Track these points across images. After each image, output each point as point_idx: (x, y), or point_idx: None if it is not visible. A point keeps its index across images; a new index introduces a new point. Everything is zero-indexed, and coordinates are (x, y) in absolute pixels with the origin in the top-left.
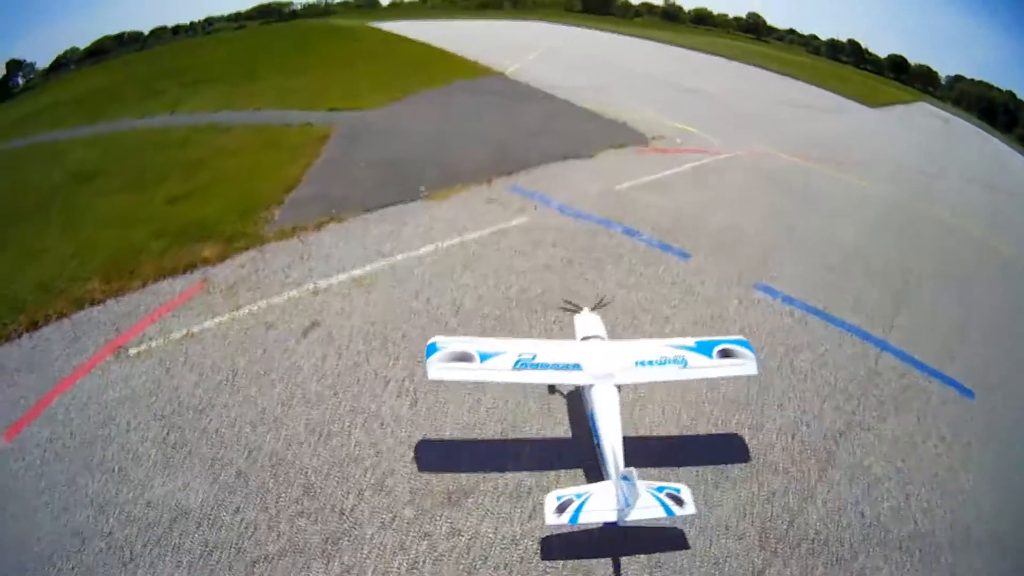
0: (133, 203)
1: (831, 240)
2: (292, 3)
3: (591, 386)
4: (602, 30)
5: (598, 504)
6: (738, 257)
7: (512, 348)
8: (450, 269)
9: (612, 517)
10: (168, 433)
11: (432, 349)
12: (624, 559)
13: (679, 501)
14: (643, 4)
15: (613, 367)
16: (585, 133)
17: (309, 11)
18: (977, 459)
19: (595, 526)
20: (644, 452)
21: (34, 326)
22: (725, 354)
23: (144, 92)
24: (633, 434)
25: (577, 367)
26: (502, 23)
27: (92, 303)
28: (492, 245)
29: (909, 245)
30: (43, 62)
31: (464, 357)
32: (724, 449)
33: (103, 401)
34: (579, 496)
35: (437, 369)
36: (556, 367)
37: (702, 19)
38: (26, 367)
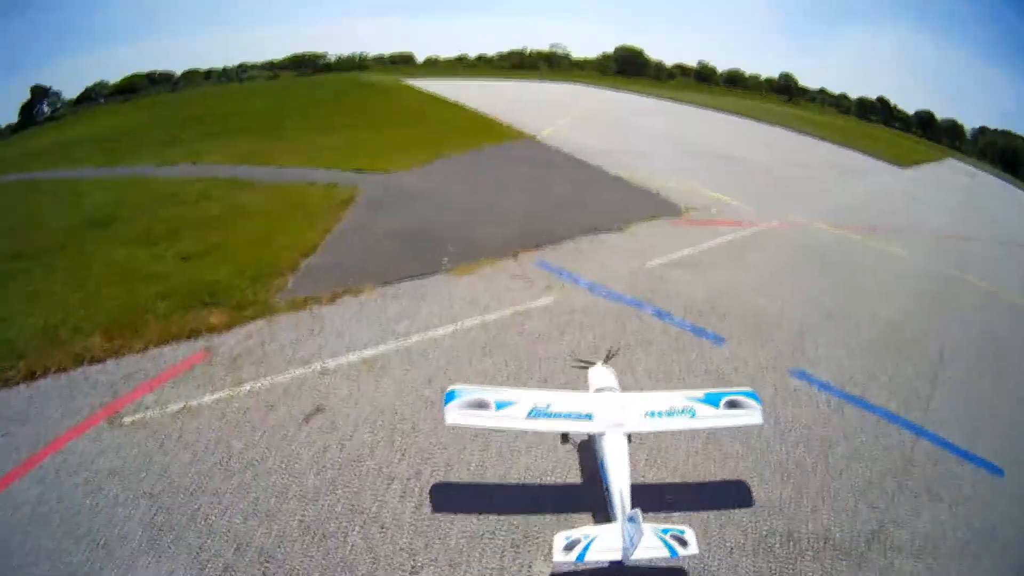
0: (144, 257)
1: (867, 317)
2: (326, 55)
3: (602, 434)
4: (637, 93)
5: (604, 544)
6: (774, 340)
7: (527, 398)
8: (468, 353)
9: (618, 556)
10: (156, 514)
11: (451, 396)
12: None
13: (683, 542)
14: (676, 66)
15: (623, 417)
16: (617, 204)
17: (343, 64)
18: (1002, 540)
19: (602, 564)
20: None
21: (32, 376)
22: (732, 405)
23: (168, 138)
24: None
25: (589, 417)
26: (537, 85)
27: (92, 360)
28: (515, 328)
29: (944, 316)
30: (70, 92)
31: (481, 405)
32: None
33: (93, 468)
34: (586, 536)
35: (454, 415)
36: (569, 416)
37: (734, 80)
38: (20, 418)
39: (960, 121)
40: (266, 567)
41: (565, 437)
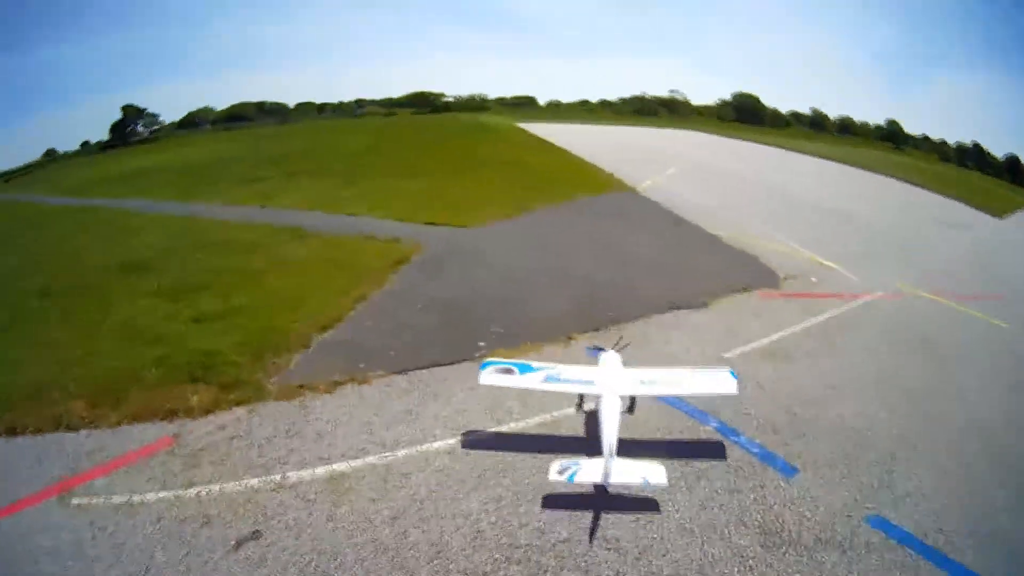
0: (162, 312)
1: (968, 427)
2: (443, 95)
3: (600, 396)
4: (751, 140)
5: (590, 471)
6: (857, 470)
7: (545, 368)
8: (459, 482)
9: (600, 480)
10: None
11: (485, 365)
12: (605, 514)
13: (656, 475)
14: (791, 113)
15: (619, 383)
16: (706, 271)
17: (462, 104)
18: None
19: (587, 487)
20: None
21: (12, 432)
22: (710, 378)
23: (250, 175)
24: None
25: (591, 383)
26: (653, 131)
27: (68, 427)
28: (532, 446)
29: None
30: (169, 115)
31: (507, 371)
32: None
33: (35, 543)
34: (576, 464)
35: (487, 378)
36: (576, 382)
37: (846, 128)
38: None
39: None
40: None
41: (580, 404)
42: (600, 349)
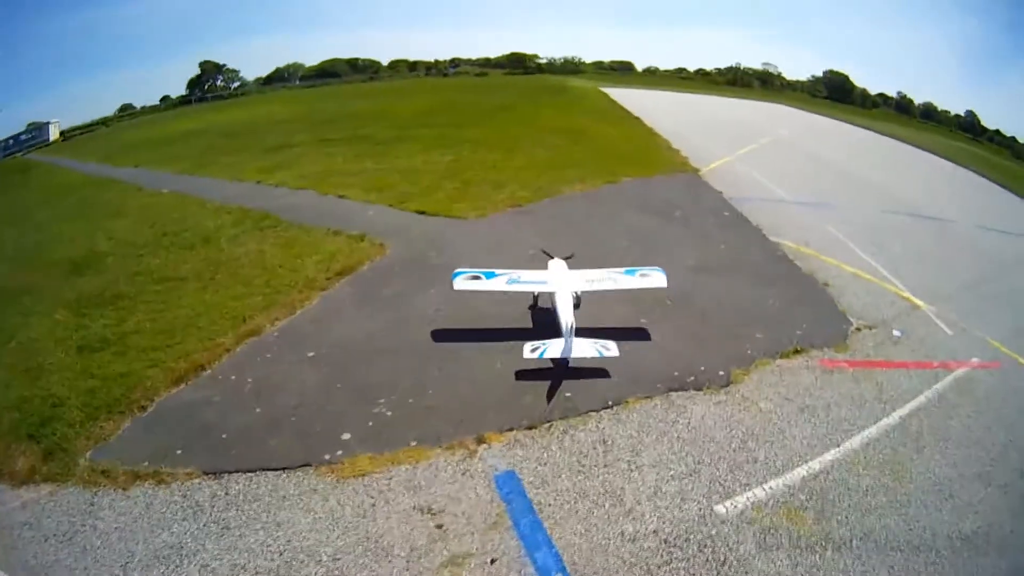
0: (60, 332)
1: None
2: (540, 57)
3: (555, 293)
4: (839, 119)
5: (555, 349)
6: None
7: (506, 272)
8: None
9: (563, 354)
10: None
11: (456, 274)
12: (567, 381)
13: (607, 348)
14: (879, 95)
15: (570, 281)
16: (749, 308)
17: (555, 67)
18: None
19: (554, 361)
20: None
21: None
22: (644, 276)
23: (279, 143)
24: None
25: (546, 283)
26: (741, 103)
27: None
28: None
29: None
30: (250, 71)
31: (475, 278)
32: None
33: None
34: (544, 344)
35: (460, 284)
36: (534, 283)
37: (929, 114)
38: None
39: None
40: None
41: (535, 303)
42: (550, 256)
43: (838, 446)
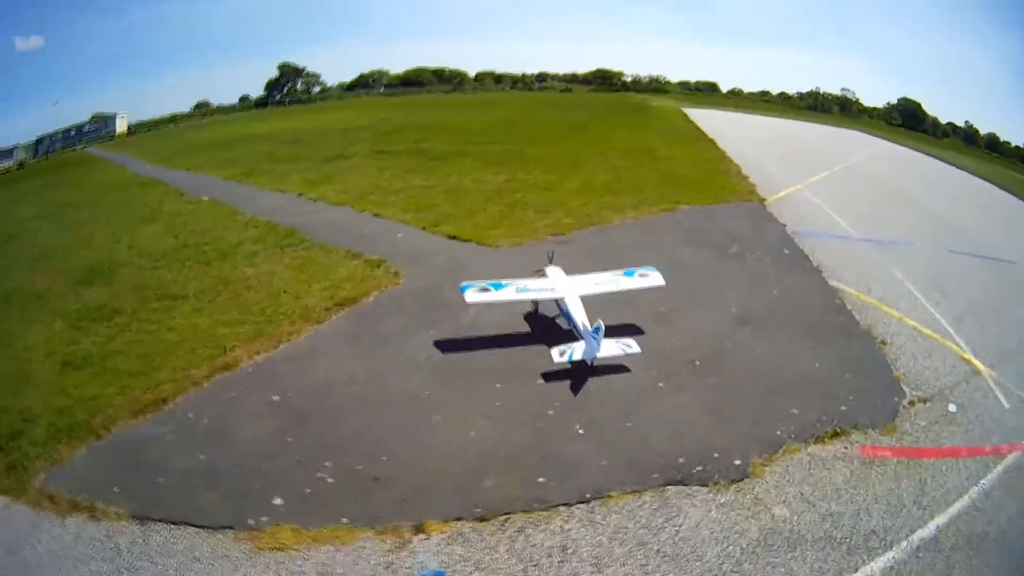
0: (53, 344)
1: None
2: (626, 74)
3: (563, 298)
4: (909, 147)
5: (581, 350)
6: None
7: (513, 282)
8: None
9: (586, 355)
10: None
11: (465, 287)
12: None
13: (629, 346)
14: (948, 124)
15: (575, 285)
16: (790, 377)
17: (640, 85)
18: None
19: (581, 362)
20: None
21: None
22: (643, 276)
23: (329, 155)
24: None
25: (553, 290)
26: (818, 128)
27: None
28: None
29: None
30: (335, 76)
31: (484, 289)
32: None
33: None
34: (569, 347)
35: (472, 296)
36: (541, 290)
37: (992, 144)
38: None
39: None
40: None
41: (534, 311)
42: (543, 269)
43: (855, 572)
